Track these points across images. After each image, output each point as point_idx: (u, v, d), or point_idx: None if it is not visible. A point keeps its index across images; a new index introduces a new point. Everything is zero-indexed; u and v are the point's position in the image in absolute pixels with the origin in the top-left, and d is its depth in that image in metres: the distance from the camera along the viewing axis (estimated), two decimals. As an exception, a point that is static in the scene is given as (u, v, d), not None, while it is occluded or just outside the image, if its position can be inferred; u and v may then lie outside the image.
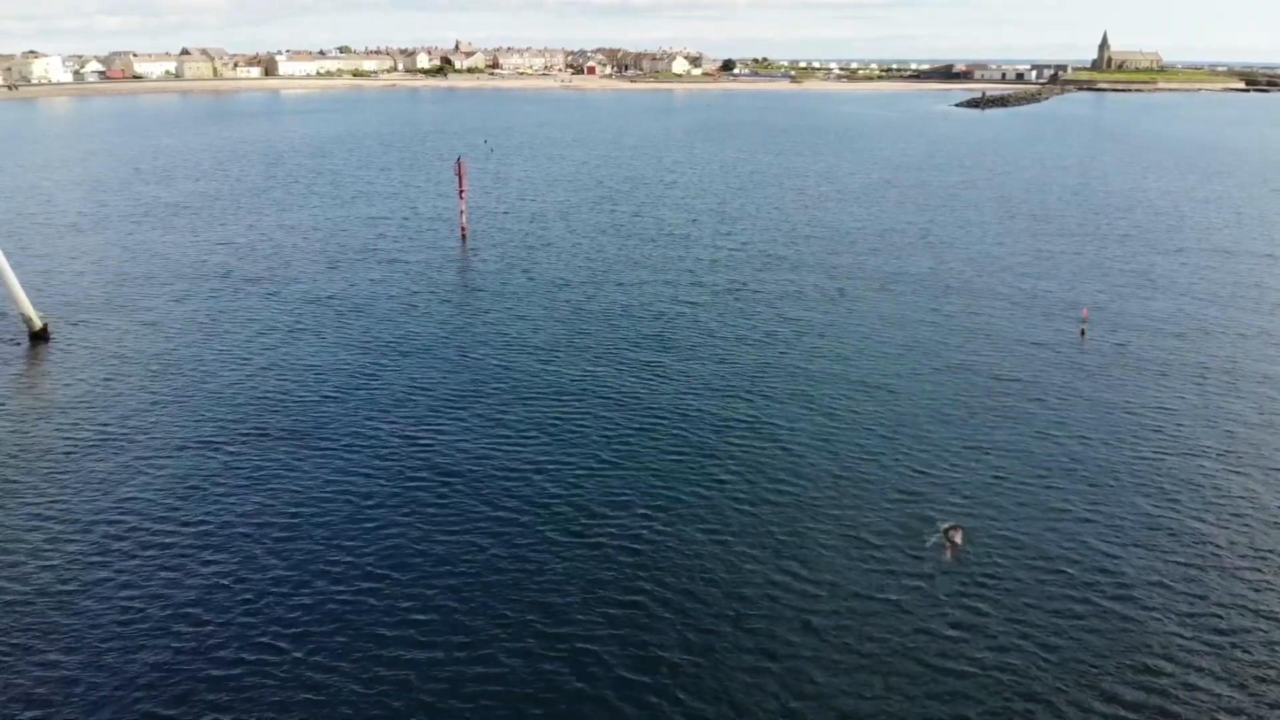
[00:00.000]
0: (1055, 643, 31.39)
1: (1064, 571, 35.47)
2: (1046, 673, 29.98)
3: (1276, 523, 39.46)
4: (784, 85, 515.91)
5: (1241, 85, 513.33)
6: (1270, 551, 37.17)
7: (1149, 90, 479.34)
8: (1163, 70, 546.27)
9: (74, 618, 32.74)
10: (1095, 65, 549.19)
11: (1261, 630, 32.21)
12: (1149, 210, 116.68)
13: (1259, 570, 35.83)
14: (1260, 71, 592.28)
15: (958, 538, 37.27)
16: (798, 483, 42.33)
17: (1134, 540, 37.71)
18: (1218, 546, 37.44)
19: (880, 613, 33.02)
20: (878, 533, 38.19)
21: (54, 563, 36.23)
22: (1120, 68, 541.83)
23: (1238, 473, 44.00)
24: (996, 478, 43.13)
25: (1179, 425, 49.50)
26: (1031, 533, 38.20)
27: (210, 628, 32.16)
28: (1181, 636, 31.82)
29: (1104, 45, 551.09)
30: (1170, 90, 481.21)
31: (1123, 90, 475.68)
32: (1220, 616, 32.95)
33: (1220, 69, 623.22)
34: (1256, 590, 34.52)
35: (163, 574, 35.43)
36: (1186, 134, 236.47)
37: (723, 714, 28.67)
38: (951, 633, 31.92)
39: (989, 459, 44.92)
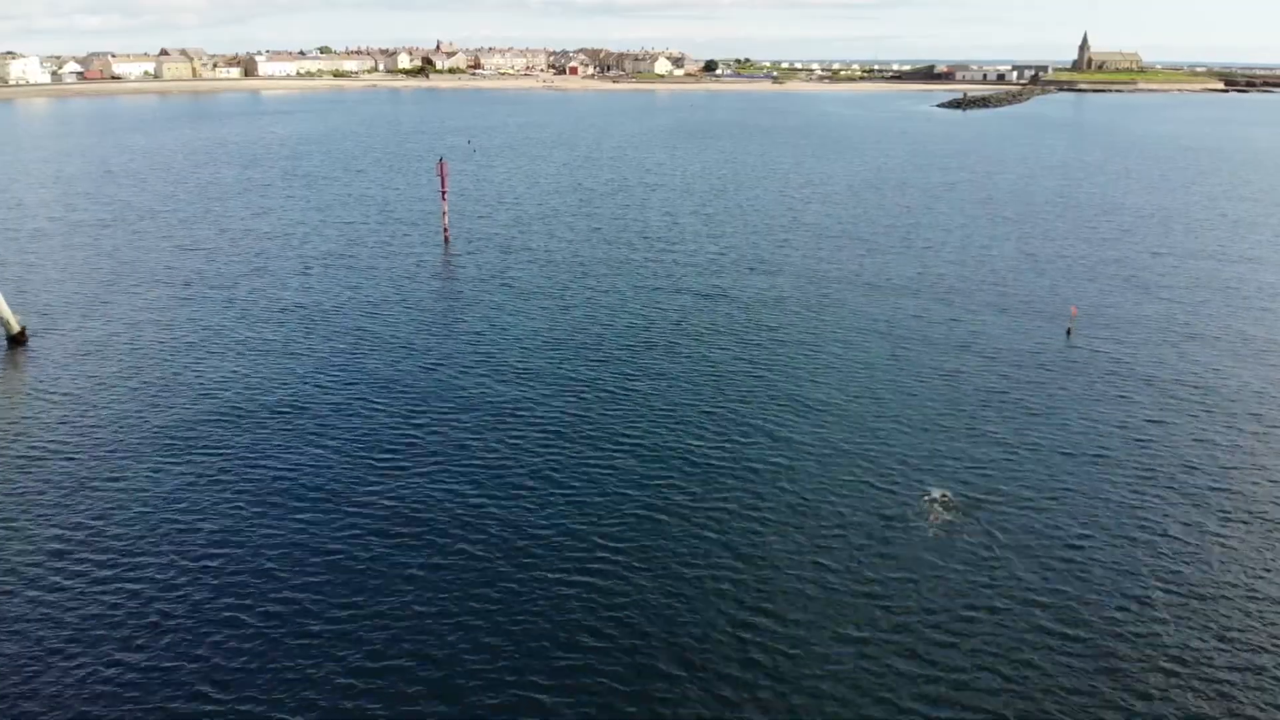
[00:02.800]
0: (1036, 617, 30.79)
1: (1040, 546, 34.90)
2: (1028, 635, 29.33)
3: (1258, 513, 39.01)
4: (766, 86, 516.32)
5: (1220, 86, 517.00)
6: (1252, 543, 36.69)
7: (1129, 91, 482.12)
8: (1142, 71, 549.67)
9: (40, 621, 31.60)
10: (1075, 66, 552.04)
11: (1246, 618, 31.69)
12: (1132, 211, 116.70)
13: (1242, 559, 35.33)
14: (1239, 72, 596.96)
15: (942, 505, 40.23)
16: (785, 473, 41.60)
17: (1117, 528, 37.18)
18: (1199, 538, 36.93)
19: (875, 581, 32.32)
20: (868, 514, 37.53)
21: (24, 566, 35.07)
22: (1100, 68, 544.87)
23: (1222, 465, 43.57)
24: (982, 466, 42.61)
25: (1163, 421, 49.05)
26: (1016, 513, 37.68)
27: (179, 637, 31.08)
28: (1160, 627, 31.25)
29: (1084, 46, 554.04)
30: (1150, 91, 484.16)
31: (1102, 91, 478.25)
32: (1203, 607, 32.40)
33: (1199, 69, 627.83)
34: (1239, 578, 34.01)
35: (131, 580, 34.33)
36: (1167, 134, 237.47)
37: (715, 698, 27.85)
38: (942, 605, 31.27)
39: (975, 450, 44.33)
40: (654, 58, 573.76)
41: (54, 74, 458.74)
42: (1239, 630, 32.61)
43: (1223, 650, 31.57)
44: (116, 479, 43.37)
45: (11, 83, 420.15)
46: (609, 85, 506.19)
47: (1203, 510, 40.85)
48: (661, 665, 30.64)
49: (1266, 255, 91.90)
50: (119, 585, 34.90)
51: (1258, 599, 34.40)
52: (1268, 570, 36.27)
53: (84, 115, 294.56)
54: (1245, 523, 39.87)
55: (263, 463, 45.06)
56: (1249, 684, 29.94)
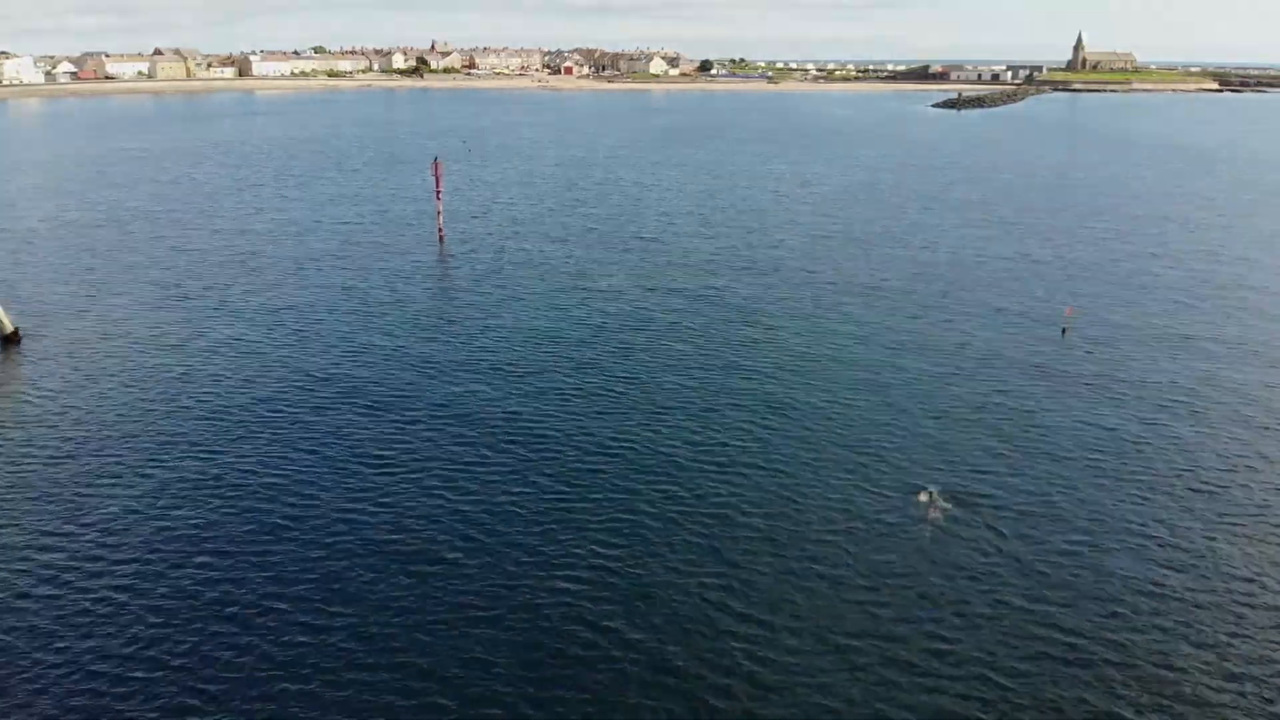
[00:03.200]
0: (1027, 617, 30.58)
1: (1036, 549, 34.70)
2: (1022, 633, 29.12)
3: (1253, 516, 38.86)
4: (761, 86, 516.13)
5: (1214, 86, 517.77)
6: (1247, 548, 36.53)
7: (1123, 91, 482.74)
8: (1136, 71, 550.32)
9: (21, 622, 31.25)
10: (1070, 66, 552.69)
11: (1239, 625, 31.51)
12: (1128, 212, 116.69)
13: (1237, 564, 35.16)
14: (1233, 72, 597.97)
15: (936, 507, 40.28)
16: (778, 476, 41.36)
17: (1112, 532, 37.02)
18: (1194, 543, 36.76)
19: (869, 586, 32.10)
20: (862, 517, 37.32)
21: (15, 569, 34.74)
22: (1095, 68, 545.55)
23: (1217, 468, 43.40)
24: (977, 468, 42.45)
25: (1157, 423, 48.90)
26: (1012, 515, 37.48)
27: (162, 638, 30.77)
28: (1152, 626, 31.07)
29: (1078, 46, 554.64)
30: (1145, 90, 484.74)
31: (1097, 91, 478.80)
32: (1196, 614, 32.21)
33: (1194, 69, 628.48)
34: (1235, 584, 33.84)
35: (115, 584, 34.01)
36: (1163, 135, 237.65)
37: (705, 706, 27.60)
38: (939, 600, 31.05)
39: (970, 451, 44.16)
40: (649, 58, 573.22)
41: (48, 74, 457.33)
42: (1231, 637, 32.45)
43: (1215, 657, 31.41)
44: (108, 479, 43.05)
45: (5, 83, 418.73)
46: (604, 85, 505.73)
47: (1197, 514, 40.70)
48: (650, 674, 30.40)
49: (1263, 256, 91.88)
50: (104, 585, 34.58)
51: (1253, 606, 34.25)
52: (1261, 575, 36.13)
53: (78, 115, 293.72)
54: (1239, 527, 39.74)
55: (253, 465, 44.77)
56: (1243, 691, 29.78)
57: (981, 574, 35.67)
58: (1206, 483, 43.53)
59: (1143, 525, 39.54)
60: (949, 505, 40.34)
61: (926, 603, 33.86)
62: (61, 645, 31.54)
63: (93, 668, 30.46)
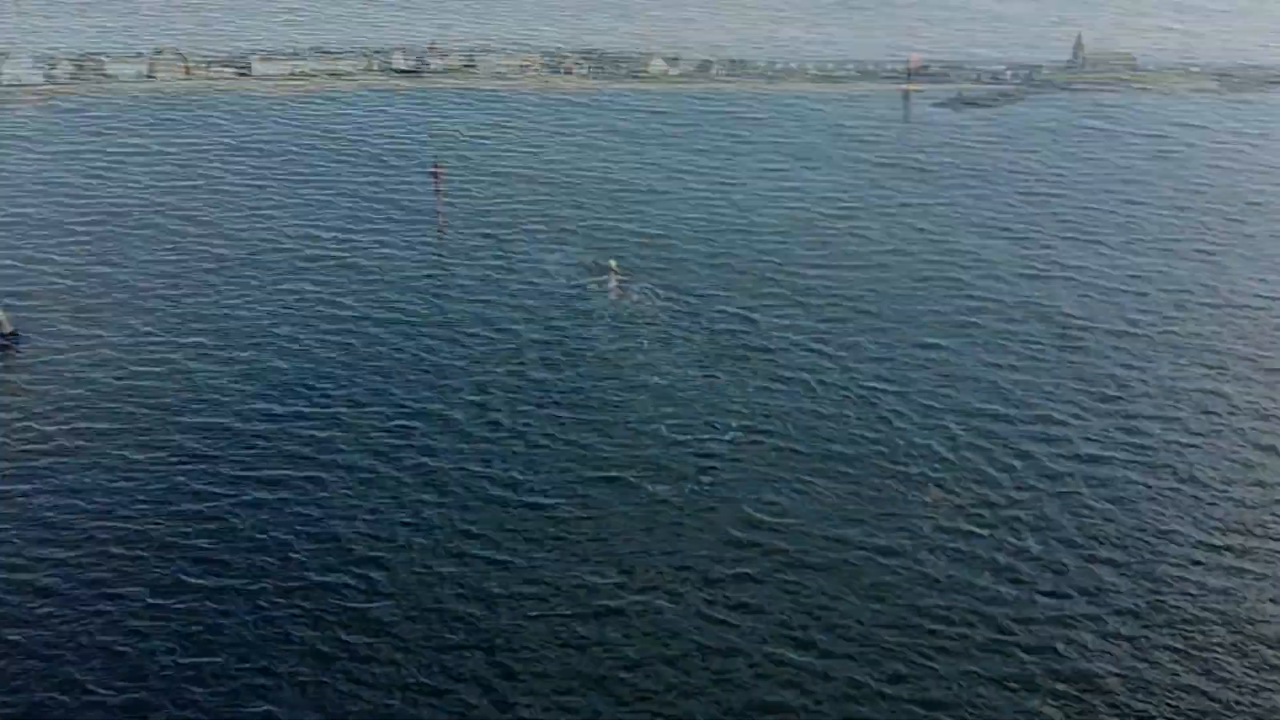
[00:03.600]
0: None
1: (1035, 549, 34.63)
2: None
3: (1247, 517, 38.81)
4: (761, 86, 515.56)
5: (1214, 86, 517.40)
6: (1243, 552, 36.48)
7: (1124, 91, 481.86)
8: (1136, 71, 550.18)
9: (27, 616, 31.19)
10: (1070, 66, 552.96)
11: (1236, 634, 31.43)
12: (1128, 214, 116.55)
13: (1233, 568, 35.10)
14: (1234, 72, 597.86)
15: (939, 498, 43.62)
16: (779, 479, 41.32)
17: (1114, 533, 36.98)
18: (1191, 548, 36.71)
19: (869, 585, 32.05)
20: (861, 515, 37.31)
21: (9, 569, 34.72)
22: (1095, 68, 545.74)
23: (1217, 473, 43.34)
24: (978, 467, 42.46)
25: (1158, 425, 48.87)
26: (1010, 514, 37.42)
27: (160, 642, 30.72)
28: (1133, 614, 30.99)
29: (1078, 46, 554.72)
30: (1145, 90, 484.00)
31: (1098, 91, 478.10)
32: (1189, 624, 32.14)
33: (1194, 69, 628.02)
34: (1231, 590, 33.77)
35: (115, 584, 33.96)
36: (1163, 136, 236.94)
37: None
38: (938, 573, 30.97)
39: (971, 451, 44.15)
40: (649, 57, 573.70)
41: (47, 74, 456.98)
42: (1232, 645, 32.44)
43: (1214, 664, 31.42)
44: (105, 478, 43.03)
45: (3, 82, 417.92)
46: (604, 85, 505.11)
47: (1198, 518, 40.69)
48: (643, 678, 30.37)
49: (1263, 259, 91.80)
50: (94, 592, 34.56)
51: (1255, 618, 34.23)
52: (1262, 580, 36.12)
53: (76, 115, 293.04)
54: (1240, 531, 39.72)
55: (248, 466, 44.79)
56: (1243, 701, 29.76)
57: (980, 578, 35.66)
58: (1206, 486, 43.56)
59: (1142, 528, 39.55)
60: (950, 503, 40.36)
61: (926, 611, 33.86)
62: (51, 650, 31.52)
63: (77, 673, 30.45)
